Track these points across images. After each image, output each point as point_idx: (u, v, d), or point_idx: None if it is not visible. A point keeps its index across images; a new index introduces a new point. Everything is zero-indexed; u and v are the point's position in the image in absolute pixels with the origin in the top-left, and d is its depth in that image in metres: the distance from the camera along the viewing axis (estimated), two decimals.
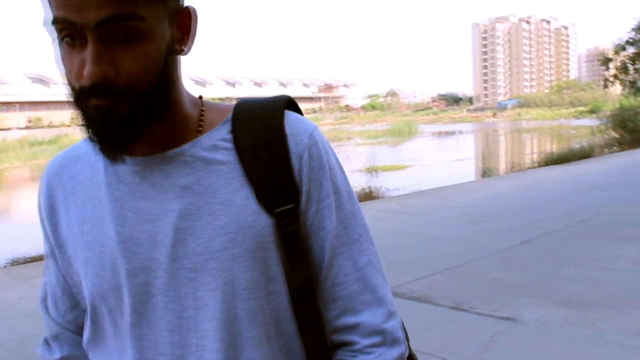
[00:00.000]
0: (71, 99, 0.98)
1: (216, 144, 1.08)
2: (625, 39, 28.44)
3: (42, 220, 1.17)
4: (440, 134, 61.38)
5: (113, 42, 0.93)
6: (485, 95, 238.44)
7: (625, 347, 4.55)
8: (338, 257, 1.11)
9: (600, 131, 25.93)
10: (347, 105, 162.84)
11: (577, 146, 21.90)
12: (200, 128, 1.10)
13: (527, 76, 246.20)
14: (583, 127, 34.71)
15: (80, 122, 1.00)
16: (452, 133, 59.91)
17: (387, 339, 1.09)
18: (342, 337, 1.10)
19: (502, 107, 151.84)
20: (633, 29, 28.26)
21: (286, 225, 1.07)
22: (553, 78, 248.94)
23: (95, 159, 1.12)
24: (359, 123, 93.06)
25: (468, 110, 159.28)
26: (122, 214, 1.06)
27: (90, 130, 1.00)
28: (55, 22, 0.93)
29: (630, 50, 28.37)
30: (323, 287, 1.10)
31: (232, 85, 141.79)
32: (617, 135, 24.92)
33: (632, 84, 27.90)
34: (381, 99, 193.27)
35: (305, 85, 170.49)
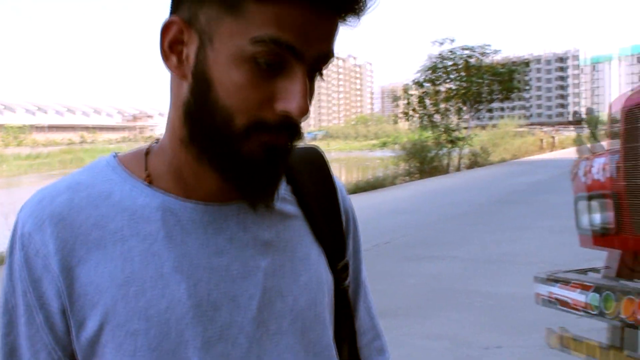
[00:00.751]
0: (213, 130, 0.83)
1: (282, 195, 0.98)
2: (414, 79, 31.19)
3: (36, 282, 0.86)
4: None
5: (307, 77, 0.83)
6: None
7: (423, 348, 5.31)
8: (360, 307, 1.11)
9: (403, 160, 28.04)
10: (150, 136, 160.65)
11: (381, 175, 23.51)
12: None
13: (335, 108, 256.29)
14: (383, 158, 37.26)
15: (222, 162, 0.85)
16: None
17: None
18: None
19: (312, 138, 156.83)
20: (419, 71, 31.11)
21: (342, 280, 1.04)
22: (359, 110, 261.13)
23: (136, 204, 0.89)
24: None
25: None
26: (193, 272, 0.87)
27: (235, 172, 0.85)
28: (271, 42, 0.79)
29: (419, 89, 31.14)
30: None
31: (32, 113, 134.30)
32: (414, 165, 27.15)
33: (421, 119, 30.55)
34: None
35: (109, 115, 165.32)
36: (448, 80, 31.06)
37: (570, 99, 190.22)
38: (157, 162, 0.92)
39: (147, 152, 0.94)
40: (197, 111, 0.84)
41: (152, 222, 0.88)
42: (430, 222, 12.06)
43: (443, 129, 29.75)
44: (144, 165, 0.93)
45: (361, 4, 0.81)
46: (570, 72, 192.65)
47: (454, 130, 29.89)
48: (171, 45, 0.86)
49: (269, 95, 0.81)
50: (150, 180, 0.91)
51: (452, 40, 30.97)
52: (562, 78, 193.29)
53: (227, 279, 0.89)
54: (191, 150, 0.87)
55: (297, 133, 0.85)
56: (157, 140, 0.96)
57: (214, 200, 0.91)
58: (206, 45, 0.82)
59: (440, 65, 30.56)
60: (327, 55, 0.84)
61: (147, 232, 0.88)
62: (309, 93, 0.84)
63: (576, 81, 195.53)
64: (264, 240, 0.93)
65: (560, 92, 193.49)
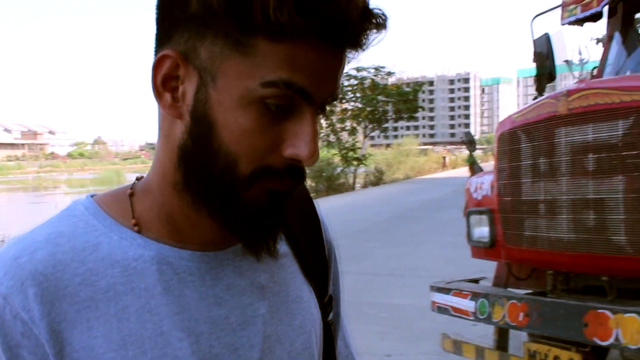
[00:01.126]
0: (224, 176, 0.77)
1: None
2: None
3: (12, 349, 0.75)
4: None
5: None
6: None
7: None
8: (338, 336, 1.08)
9: (309, 178, 28.16)
10: (52, 153, 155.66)
11: None
12: None
13: None
14: None
15: (222, 209, 0.79)
16: None
17: None
18: None
19: None
20: None
21: (327, 314, 1.00)
22: None
23: (128, 256, 0.81)
24: (65, 171, 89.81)
25: None
26: (194, 327, 0.82)
27: (236, 220, 0.80)
28: (284, 85, 0.73)
29: None
30: None
31: None
32: (320, 183, 27.49)
33: (327, 136, 31.04)
34: (88, 147, 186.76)
35: (7, 130, 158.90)
36: (354, 99, 31.71)
37: (472, 119, 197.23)
38: (145, 207, 0.85)
39: (131, 194, 0.86)
40: (196, 155, 0.78)
41: (147, 275, 0.80)
42: (334, 238, 12.33)
43: (349, 147, 30.33)
44: (129, 209, 0.84)
45: (368, 39, 0.77)
46: (473, 92, 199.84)
47: (359, 148, 30.53)
48: (164, 81, 0.78)
49: (277, 139, 0.76)
50: (139, 227, 0.83)
51: (358, 60, 31.60)
52: (466, 98, 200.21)
53: (227, 330, 0.84)
54: (185, 196, 0.81)
55: (302, 177, 0.80)
56: (139, 178, 0.89)
57: (209, 247, 0.85)
58: (207, 83, 0.76)
59: (346, 84, 31.17)
60: (334, 95, 0.79)
61: (143, 287, 0.80)
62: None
63: (478, 101, 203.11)
64: (260, 284, 0.88)
65: (464, 111, 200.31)
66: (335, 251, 1.07)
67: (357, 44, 0.77)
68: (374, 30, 0.76)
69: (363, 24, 0.75)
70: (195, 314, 0.82)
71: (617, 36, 4.39)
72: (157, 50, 0.79)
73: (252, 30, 0.72)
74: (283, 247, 0.93)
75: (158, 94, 0.79)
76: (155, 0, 0.79)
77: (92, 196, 0.87)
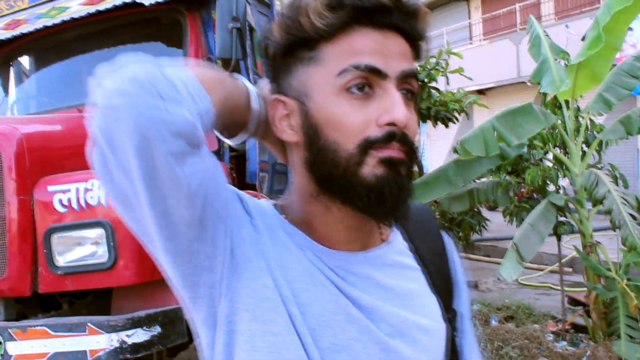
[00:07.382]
0: (337, 161, 0.87)
1: (401, 248, 1.04)
2: None
3: (235, 218, 0.90)
4: None
5: (400, 93, 0.89)
6: None
7: None
8: (469, 354, 1.10)
9: None
10: None
11: None
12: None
13: None
14: None
15: (351, 194, 0.88)
16: None
17: None
18: None
19: None
20: None
21: (452, 331, 1.06)
22: None
23: (287, 233, 0.95)
24: None
25: None
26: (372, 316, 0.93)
27: (366, 198, 0.87)
28: (354, 69, 0.86)
29: None
30: None
31: None
32: None
33: None
34: None
35: None
36: None
37: None
38: (290, 213, 0.99)
39: (274, 205, 1.02)
40: (315, 159, 0.90)
41: (307, 254, 0.94)
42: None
43: None
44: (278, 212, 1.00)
45: (412, 19, 0.90)
46: None
47: None
48: (280, 121, 0.95)
49: (370, 117, 0.87)
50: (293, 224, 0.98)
51: None
52: None
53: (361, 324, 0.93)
54: (322, 200, 0.93)
55: (408, 143, 0.88)
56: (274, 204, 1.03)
57: (342, 247, 0.96)
58: (306, 101, 0.90)
59: None
60: (410, 71, 0.90)
61: (307, 260, 0.94)
62: (409, 111, 0.89)
63: None
64: (385, 286, 0.97)
65: None
66: (462, 275, 1.13)
67: (400, 22, 0.89)
68: (409, 9, 0.89)
69: (390, 4, 0.87)
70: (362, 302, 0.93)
71: None
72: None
73: (313, 44, 0.89)
74: (412, 262, 1.04)
75: (281, 132, 0.95)
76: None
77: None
